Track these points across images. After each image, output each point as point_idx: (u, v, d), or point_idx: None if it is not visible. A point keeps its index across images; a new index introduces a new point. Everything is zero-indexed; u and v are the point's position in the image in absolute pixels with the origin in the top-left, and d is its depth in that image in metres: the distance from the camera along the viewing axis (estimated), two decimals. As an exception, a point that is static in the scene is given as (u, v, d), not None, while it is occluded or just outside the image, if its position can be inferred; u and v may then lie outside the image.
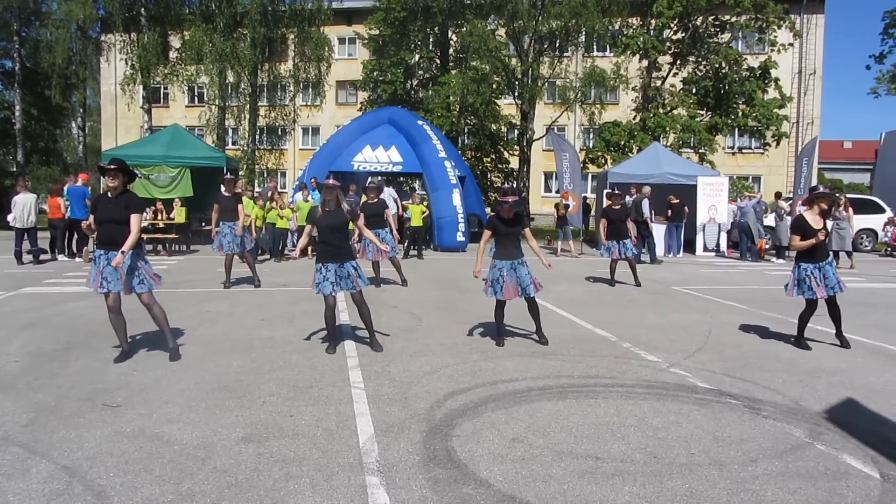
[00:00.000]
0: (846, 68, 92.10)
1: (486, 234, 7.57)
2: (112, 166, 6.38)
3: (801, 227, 7.58)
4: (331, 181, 7.32)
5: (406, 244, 18.42)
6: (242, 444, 4.45)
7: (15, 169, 33.52)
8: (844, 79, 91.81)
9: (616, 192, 13.59)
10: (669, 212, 19.38)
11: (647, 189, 18.18)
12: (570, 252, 19.68)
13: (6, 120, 34.63)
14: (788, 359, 7.18)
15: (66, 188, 16.53)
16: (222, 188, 12.06)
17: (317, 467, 4.10)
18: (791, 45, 26.94)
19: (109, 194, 6.43)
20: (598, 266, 15.79)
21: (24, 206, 15.35)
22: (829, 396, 5.80)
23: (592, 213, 24.57)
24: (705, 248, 20.24)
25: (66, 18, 27.15)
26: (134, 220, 6.36)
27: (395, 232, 12.77)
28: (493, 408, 5.31)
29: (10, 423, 4.80)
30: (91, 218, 6.46)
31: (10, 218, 15.58)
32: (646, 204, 17.65)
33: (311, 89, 31.99)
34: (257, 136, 30.34)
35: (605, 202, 13.89)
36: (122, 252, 6.21)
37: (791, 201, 19.98)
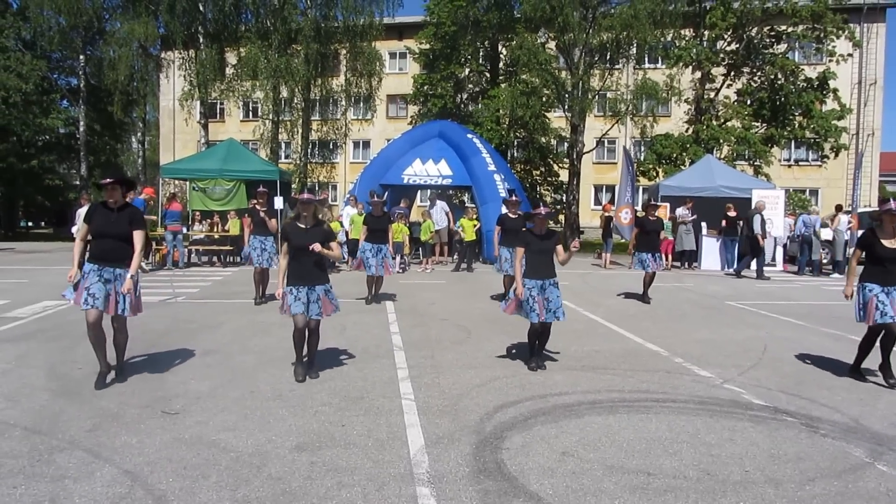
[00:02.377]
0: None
1: (520, 251, 7.07)
2: (108, 180, 6.10)
3: (867, 243, 6.75)
4: (305, 195, 6.63)
5: (457, 258, 18.53)
6: (296, 453, 4.54)
7: (78, 182, 34.77)
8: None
9: (653, 202, 13.24)
10: (724, 223, 19.05)
11: (761, 204, 17.84)
12: (601, 265, 19.68)
13: (71, 135, 35.99)
14: (847, 377, 6.99)
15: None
16: (256, 203, 11.60)
17: (368, 477, 4.16)
18: (850, 55, 26.24)
19: (109, 206, 6.03)
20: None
21: (78, 217, 15.90)
22: (892, 416, 5.63)
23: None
24: (761, 263, 19.78)
25: (129, 37, 28.11)
26: (138, 237, 6.08)
27: (390, 248, 11.99)
28: (543, 421, 5.31)
29: (76, 429, 4.98)
30: (84, 227, 6.13)
31: (73, 230, 16.14)
32: (758, 220, 17.33)
33: (362, 103, 32.38)
34: (309, 150, 30.92)
35: (642, 213, 13.58)
36: (131, 277, 6.01)
37: (850, 214, 19.44)
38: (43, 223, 43.75)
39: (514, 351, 7.93)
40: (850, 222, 17.90)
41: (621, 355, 7.78)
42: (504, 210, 12.33)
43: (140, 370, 6.76)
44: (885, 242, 6.62)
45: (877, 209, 7.17)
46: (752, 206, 17.83)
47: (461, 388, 6.25)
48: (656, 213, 13.11)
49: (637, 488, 4.06)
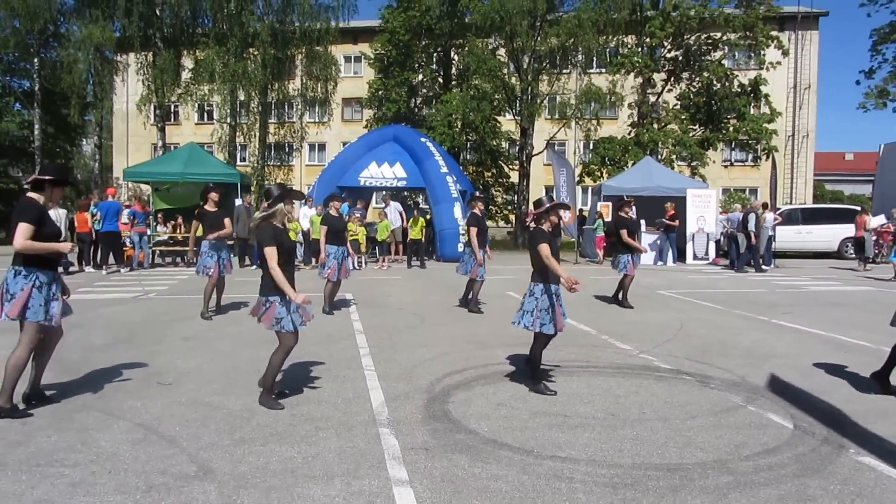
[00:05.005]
0: (849, 79, 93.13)
1: (546, 248, 5.94)
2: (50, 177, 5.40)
3: None
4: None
5: (408, 255, 19.54)
6: (278, 409, 5.47)
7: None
8: (848, 90, 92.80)
9: (627, 198, 12.49)
10: (664, 220, 20.45)
11: (756, 203, 19.05)
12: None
13: (25, 139, 35.92)
14: (746, 347, 8.19)
15: (93, 204, 17.59)
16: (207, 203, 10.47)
17: (339, 423, 5.14)
18: (779, 63, 27.99)
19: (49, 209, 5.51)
20: (599, 275, 16.81)
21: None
22: (772, 374, 6.80)
23: (585, 224, 25.55)
24: (695, 257, 21.23)
25: (85, 40, 28.36)
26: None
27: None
28: (483, 383, 6.34)
29: (85, 397, 5.82)
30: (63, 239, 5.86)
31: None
32: (752, 218, 18.56)
33: (318, 107, 33.14)
34: (266, 153, 31.57)
35: (616, 212, 12.46)
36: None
37: (779, 212, 21.04)
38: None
39: (462, 333, 8.95)
40: (775, 219, 19.38)
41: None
42: (476, 210, 11.23)
43: (129, 353, 7.57)
44: None
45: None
46: (748, 206, 19.12)
47: (415, 361, 7.25)
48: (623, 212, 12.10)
49: (555, 425, 5.12)
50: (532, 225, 6.29)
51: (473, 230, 10.78)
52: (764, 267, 18.75)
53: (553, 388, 6.08)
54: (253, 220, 5.90)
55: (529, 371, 6.21)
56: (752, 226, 18.45)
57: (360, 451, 4.56)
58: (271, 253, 5.41)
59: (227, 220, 10.27)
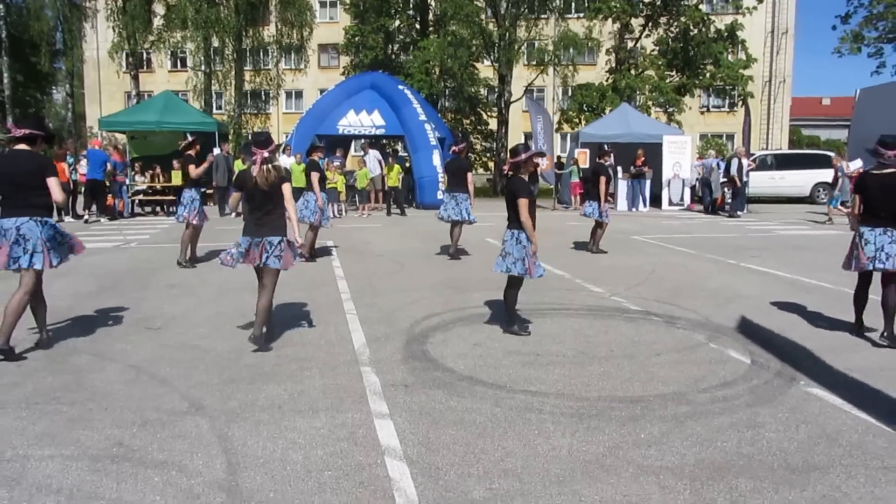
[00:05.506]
0: (828, 24, 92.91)
1: (525, 203, 6.08)
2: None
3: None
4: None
5: (387, 203, 19.69)
6: (263, 351, 5.72)
7: (4, 137, 34.24)
8: (826, 35, 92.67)
9: (606, 148, 12.65)
10: (633, 168, 20.72)
11: (741, 149, 19.45)
12: None
13: (-6, 88, 35.23)
14: (713, 289, 8.54)
15: (69, 153, 17.51)
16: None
17: (323, 362, 5.40)
18: (755, 8, 27.99)
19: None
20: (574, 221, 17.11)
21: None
22: (736, 314, 7.15)
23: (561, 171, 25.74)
24: (670, 203, 21.58)
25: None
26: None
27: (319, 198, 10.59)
28: (460, 325, 6.63)
29: (75, 341, 6.02)
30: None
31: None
32: (734, 163, 19.06)
33: (293, 54, 32.69)
34: (243, 101, 31.22)
35: (596, 160, 12.44)
36: None
37: (752, 158, 21.36)
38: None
39: (441, 278, 9.21)
40: (749, 165, 19.70)
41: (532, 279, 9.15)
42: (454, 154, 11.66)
43: (115, 300, 7.75)
44: None
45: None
46: (733, 151, 19.50)
47: (395, 305, 7.51)
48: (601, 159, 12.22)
49: (527, 363, 5.42)
50: (510, 173, 6.42)
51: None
52: (738, 213, 19.15)
53: (528, 329, 6.36)
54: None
55: (507, 314, 6.43)
56: (734, 170, 18.83)
57: (343, 387, 4.83)
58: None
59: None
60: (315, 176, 10.74)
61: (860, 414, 4.38)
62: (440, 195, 20.95)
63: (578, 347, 5.87)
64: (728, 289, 8.55)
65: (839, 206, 16.99)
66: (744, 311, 7.24)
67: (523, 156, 6.25)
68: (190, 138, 10.72)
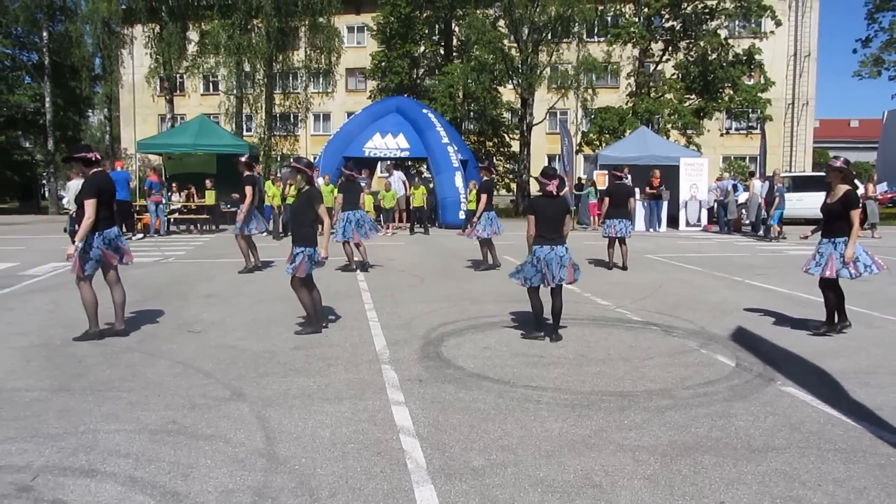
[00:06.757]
0: (853, 46, 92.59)
1: (530, 221, 6.99)
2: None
3: None
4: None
5: (411, 222, 20.43)
6: (295, 351, 6.37)
7: (44, 158, 35.66)
8: (852, 57, 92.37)
9: (627, 170, 13.34)
10: (648, 189, 21.24)
11: (778, 173, 19.73)
12: None
13: (37, 111, 36.69)
14: (714, 302, 9.05)
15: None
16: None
17: (348, 360, 6.04)
18: (772, 32, 28.48)
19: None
20: (590, 240, 17.65)
21: (74, 190, 17.31)
22: (731, 325, 7.67)
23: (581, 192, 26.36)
24: (688, 224, 22.03)
25: (93, 14, 29.02)
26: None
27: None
28: (473, 332, 7.24)
29: (127, 342, 6.73)
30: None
31: (63, 201, 17.58)
32: (765, 187, 19.06)
33: (322, 77, 33.76)
34: (272, 124, 32.30)
35: (613, 181, 12.88)
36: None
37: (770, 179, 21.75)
38: (7, 198, 44.34)
39: (458, 291, 9.83)
40: (762, 186, 20.12)
41: (544, 292, 9.72)
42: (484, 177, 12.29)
43: (159, 308, 8.47)
44: None
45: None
46: (770, 176, 19.72)
47: (414, 314, 8.13)
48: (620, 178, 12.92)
49: (530, 363, 6.01)
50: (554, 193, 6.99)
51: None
52: (761, 234, 19.27)
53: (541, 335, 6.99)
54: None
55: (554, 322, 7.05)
56: (764, 192, 18.89)
57: (365, 381, 5.46)
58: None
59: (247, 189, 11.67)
60: (338, 197, 11.50)
61: (826, 408, 4.90)
62: (461, 215, 21.71)
63: (579, 351, 6.44)
64: (728, 303, 9.05)
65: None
66: (738, 322, 7.76)
67: (545, 182, 6.91)
68: (243, 160, 12.18)
